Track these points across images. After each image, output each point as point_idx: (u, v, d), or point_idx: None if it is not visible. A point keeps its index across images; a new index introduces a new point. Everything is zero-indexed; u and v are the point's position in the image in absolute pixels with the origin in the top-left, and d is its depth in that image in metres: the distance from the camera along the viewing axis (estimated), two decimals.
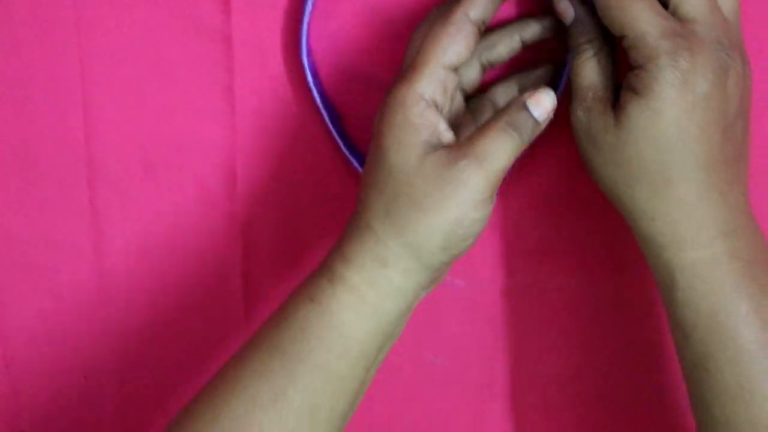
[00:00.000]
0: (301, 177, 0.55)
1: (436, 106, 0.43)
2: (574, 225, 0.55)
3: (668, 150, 0.42)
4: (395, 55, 0.50)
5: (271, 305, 0.58)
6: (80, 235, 0.57)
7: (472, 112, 0.50)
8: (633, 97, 0.42)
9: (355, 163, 0.52)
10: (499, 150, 0.42)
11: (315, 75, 0.51)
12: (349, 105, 0.53)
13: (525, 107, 0.43)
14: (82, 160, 0.55)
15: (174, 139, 0.54)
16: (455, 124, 0.47)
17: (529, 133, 0.43)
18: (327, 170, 0.54)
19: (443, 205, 0.42)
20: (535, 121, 0.43)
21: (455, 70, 0.44)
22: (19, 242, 0.57)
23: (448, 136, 0.44)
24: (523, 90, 0.49)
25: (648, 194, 0.43)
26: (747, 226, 0.44)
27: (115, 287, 0.58)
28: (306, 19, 0.49)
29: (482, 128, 0.43)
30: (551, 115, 0.44)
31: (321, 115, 0.51)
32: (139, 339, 0.59)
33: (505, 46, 0.48)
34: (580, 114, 0.45)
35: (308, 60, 0.50)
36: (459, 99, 0.48)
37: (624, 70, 0.45)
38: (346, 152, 0.52)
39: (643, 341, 0.58)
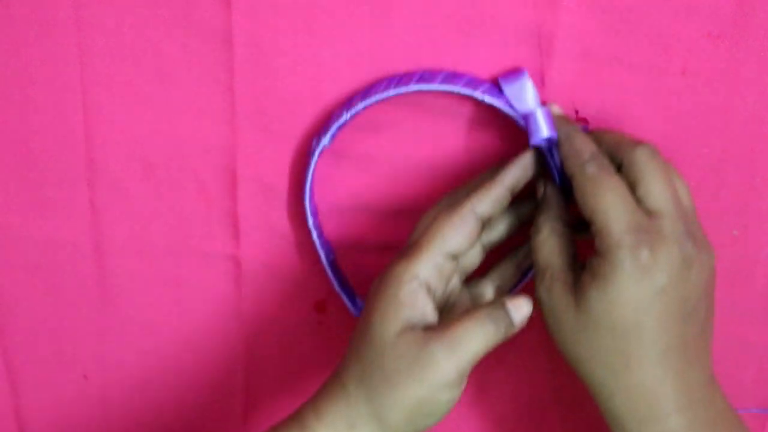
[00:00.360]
0: (303, 176, 0.55)
1: (429, 289, 0.45)
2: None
3: (626, 337, 0.43)
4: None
5: (268, 307, 0.58)
6: (80, 235, 0.56)
7: (473, 294, 0.51)
8: (592, 283, 0.43)
9: (348, 303, 0.55)
10: (472, 340, 0.44)
11: (315, 215, 0.54)
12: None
13: (504, 307, 0.45)
14: (82, 160, 0.55)
15: (174, 139, 0.54)
16: (449, 306, 0.49)
17: (504, 331, 0.45)
18: None
19: (410, 383, 0.43)
20: (511, 321, 0.45)
21: (454, 257, 0.46)
22: (19, 242, 0.57)
23: (432, 318, 0.45)
24: (519, 267, 0.51)
25: (606, 374, 0.44)
26: (704, 398, 0.45)
27: (115, 287, 0.58)
28: (311, 172, 0.52)
29: (461, 316, 0.44)
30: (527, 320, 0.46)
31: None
32: (139, 339, 0.59)
33: (504, 226, 0.50)
34: (541, 291, 0.46)
35: (310, 204, 0.53)
36: (455, 282, 0.49)
37: (587, 251, 0.46)
38: (339, 290, 0.55)
39: None
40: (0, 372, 0.60)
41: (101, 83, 0.53)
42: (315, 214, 0.54)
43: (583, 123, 0.52)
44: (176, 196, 0.55)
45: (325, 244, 0.55)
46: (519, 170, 0.47)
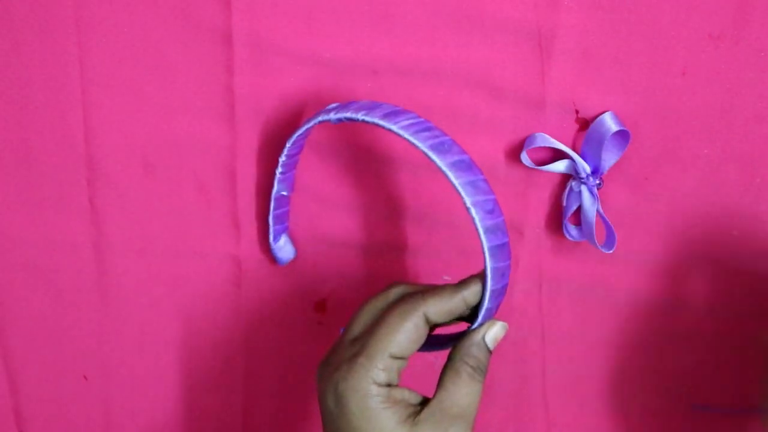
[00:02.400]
0: (303, 176, 0.55)
1: (390, 385, 0.44)
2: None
3: None
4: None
5: (268, 307, 0.58)
6: (80, 235, 0.56)
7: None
8: None
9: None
10: (476, 400, 0.45)
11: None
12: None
13: (486, 348, 0.45)
14: (82, 159, 0.55)
15: (174, 139, 0.54)
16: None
17: (487, 362, 0.46)
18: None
19: None
20: (490, 352, 0.46)
21: (403, 358, 0.45)
22: (19, 242, 0.57)
23: (415, 398, 0.45)
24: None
25: None
26: None
27: (115, 287, 0.58)
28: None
29: (455, 383, 0.44)
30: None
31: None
32: (139, 338, 0.59)
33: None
34: None
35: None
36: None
37: None
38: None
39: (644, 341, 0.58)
40: (0, 372, 0.60)
41: (101, 83, 0.53)
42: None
43: (582, 123, 0.52)
44: (176, 196, 0.55)
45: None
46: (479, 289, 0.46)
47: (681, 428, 0.61)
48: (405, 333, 0.44)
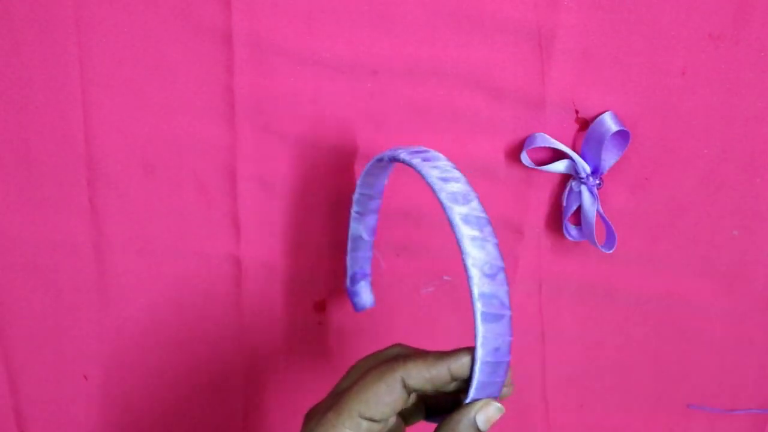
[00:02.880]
0: (303, 176, 0.55)
1: None
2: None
3: None
4: None
5: (268, 307, 0.58)
6: (80, 235, 0.56)
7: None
8: None
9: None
10: None
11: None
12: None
13: (476, 428, 0.41)
14: (82, 159, 0.55)
15: (174, 139, 0.54)
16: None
17: None
18: (330, 171, 0.54)
19: None
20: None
21: (378, 421, 0.42)
22: (19, 242, 0.57)
23: None
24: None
25: None
26: None
27: (115, 287, 0.58)
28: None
29: None
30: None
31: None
32: (139, 338, 0.59)
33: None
34: None
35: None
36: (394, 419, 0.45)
37: None
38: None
39: (644, 339, 0.58)
40: (0, 372, 0.60)
41: (101, 83, 0.53)
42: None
43: (582, 123, 0.52)
44: (176, 196, 0.55)
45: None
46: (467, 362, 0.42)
47: (680, 428, 0.61)
48: (376, 394, 0.42)
